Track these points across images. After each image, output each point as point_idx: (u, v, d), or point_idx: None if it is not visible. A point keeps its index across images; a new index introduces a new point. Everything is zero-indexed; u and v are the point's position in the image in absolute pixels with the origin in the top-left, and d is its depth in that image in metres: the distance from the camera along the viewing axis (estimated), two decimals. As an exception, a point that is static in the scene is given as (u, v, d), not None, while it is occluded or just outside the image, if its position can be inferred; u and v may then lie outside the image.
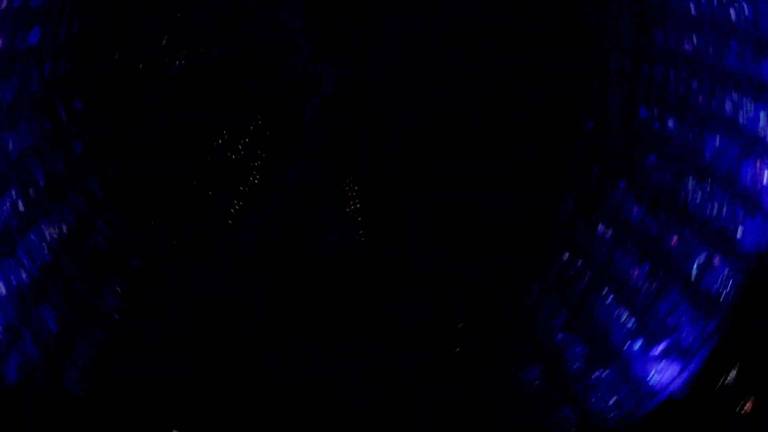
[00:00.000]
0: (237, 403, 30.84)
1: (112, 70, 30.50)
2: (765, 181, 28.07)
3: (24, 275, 29.51)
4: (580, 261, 30.84)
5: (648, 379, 28.85)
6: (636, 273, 30.04)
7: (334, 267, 32.61)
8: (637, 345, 29.56)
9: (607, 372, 29.64)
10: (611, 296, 30.14)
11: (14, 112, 28.44)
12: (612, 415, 29.21)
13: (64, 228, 30.22)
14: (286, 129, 32.47)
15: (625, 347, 29.50)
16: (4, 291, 29.01)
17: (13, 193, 29.15)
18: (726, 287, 28.27)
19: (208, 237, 32.32)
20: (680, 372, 28.04)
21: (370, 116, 32.89)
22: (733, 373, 27.58)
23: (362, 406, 31.61)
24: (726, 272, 28.52)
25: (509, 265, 32.04)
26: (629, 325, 29.71)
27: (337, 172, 32.40)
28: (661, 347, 29.22)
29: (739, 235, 28.56)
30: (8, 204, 29.16)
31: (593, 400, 29.51)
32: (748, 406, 27.49)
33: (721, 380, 27.72)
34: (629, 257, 30.24)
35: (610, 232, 30.59)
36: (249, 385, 31.16)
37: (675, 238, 29.76)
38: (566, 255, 31.30)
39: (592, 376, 29.85)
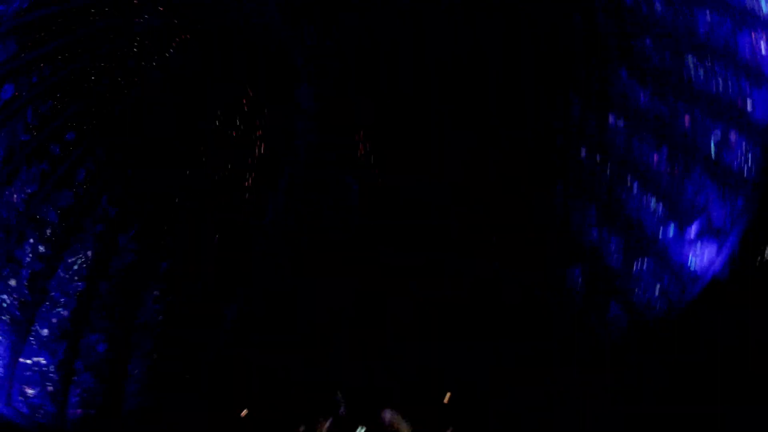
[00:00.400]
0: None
1: (94, 90, 30.81)
2: (764, 51, 28.33)
3: (63, 311, 30.79)
4: (598, 155, 30.84)
5: (688, 263, 29.51)
6: (656, 158, 30.35)
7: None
8: (671, 230, 29.98)
9: (646, 262, 30.17)
10: (636, 185, 30.27)
11: (9, 166, 29.28)
12: (659, 305, 29.91)
13: (89, 254, 31.29)
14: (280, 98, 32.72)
15: (660, 234, 30.23)
16: (47, 332, 30.49)
17: (31, 240, 30.08)
18: (747, 162, 28.94)
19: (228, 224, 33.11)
20: (718, 253, 28.65)
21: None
22: (769, 250, 28.69)
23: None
24: (744, 147, 28.85)
25: (529, 168, 32.67)
26: (659, 211, 30.14)
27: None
28: (694, 229, 29.78)
29: (749, 107, 28.87)
30: (29, 251, 30.12)
31: (639, 292, 30.09)
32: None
33: (758, 258, 28.73)
34: (646, 144, 30.50)
35: (621, 122, 30.58)
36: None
37: (687, 119, 29.93)
38: (584, 151, 31.77)
39: (634, 268, 30.78)
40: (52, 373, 29.83)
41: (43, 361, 29.79)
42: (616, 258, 30.80)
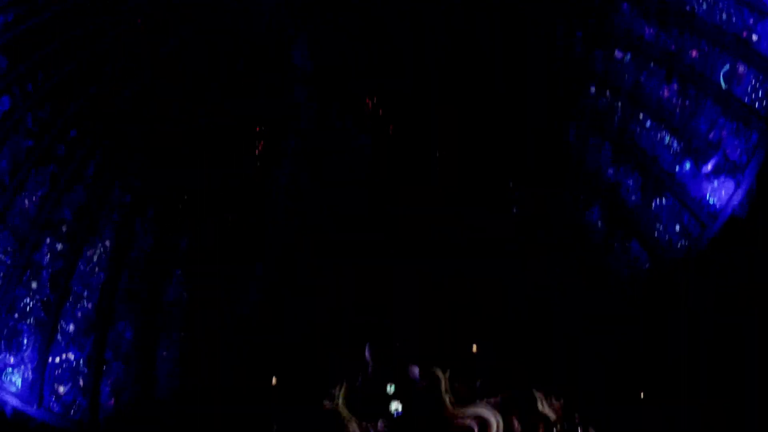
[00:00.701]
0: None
1: (91, 86, 30.83)
2: (766, -16, 27.89)
3: (87, 304, 31.13)
4: (608, 91, 30.51)
5: (706, 200, 29.41)
6: (666, 93, 30.17)
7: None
8: (687, 166, 29.84)
9: (665, 199, 29.99)
10: (649, 121, 29.99)
11: (17, 174, 29.49)
12: (680, 243, 29.81)
13: (108, 243, 31.33)
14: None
15: (676, 170, 30.07)
16: (73, 327, 31.04)
17: (48, 240, 30.29)
18: (759, 96, 28.61)
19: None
20: (735, 189, 28.57)
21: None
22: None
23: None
24: (753, 80, 28.61)
25: (538, 109, 32.47)
26: (674, 146, 30.07)
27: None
28: (710, 165, 29.63)
29: (754, 39, 28.57)
30: (47, 252, 30.45)
31: (659, 230, 30.17)
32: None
33: (777, 193, 28.65)
34: (655, 78, 29.86)
35: (629, 56, 29.94)
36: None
37: (694, 52, 29.55)
38: (593, 88, 31.36)
39: (652, 206, 30.41)
40: (82, 367, 30.18)
41: (72, 357, 30.11)
42: (635, 196, 30.84)
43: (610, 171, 30.96)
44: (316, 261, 32.96)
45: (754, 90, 27.99)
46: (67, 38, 28.90)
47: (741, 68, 28.24)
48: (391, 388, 30.99)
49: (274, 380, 32.08)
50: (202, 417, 31.45)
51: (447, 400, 30.65)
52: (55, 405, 29.31)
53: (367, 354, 31.82)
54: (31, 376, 29.09)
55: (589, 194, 31.44)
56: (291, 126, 32.35)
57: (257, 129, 32.22)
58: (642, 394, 29.73)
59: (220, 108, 31.77)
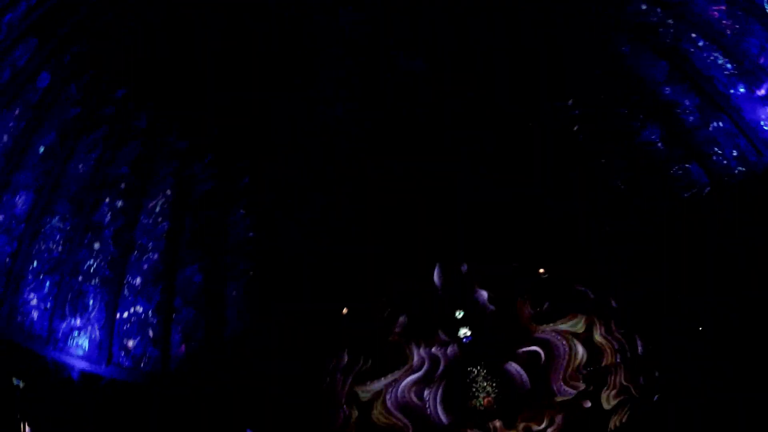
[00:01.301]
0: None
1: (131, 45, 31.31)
2: None
3: (152, 255, 31.94)
4: (658, 8, 29.71)
5: (762, 125, 29.15)
6: (716, 14, 29.43)
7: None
8: (741, 89, 29.15)
9: (721, 122, 29.57)
10: (701, 41, 29.31)
11: (68, 142, 30.09)
12: (738, 168, 29.68)
13: (168, 192, 31.99)
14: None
15: (731, 92, 29.44)
16: (140, 280, 32.02)
17: (107, 200, 31.01)
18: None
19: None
20: (789, 117, 28.56)
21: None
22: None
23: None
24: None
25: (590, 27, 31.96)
26: (727, 68, 29.33)
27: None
28: (763, 90, 29.20)
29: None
30: (107, 211, 31.10)
31: (718, 152, 29.96)
32: None
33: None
34: (703, -1, 29.78)
35: None
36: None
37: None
38: (643, 5, 30.80)
39: (709, 127, 30.07)
40: (151, 318, 31.44)
41: (141, 309, 31.29)
42: (692, 117, 30.45)
43: (667, 89, 30.54)
44: (381, 185, 33.97)
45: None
46: (96, 6, 29.52)
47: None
48: (459, 314, 32.22)
49: (344, 310, 33.38)
50: (272, 355, 33.34)
51: (515, 325, 31.77)
52: (124, 360, 30.61)
53: (436, 277, 32.79)
54: (98, 336, 30.40)
55: (647, 112, 31.41)
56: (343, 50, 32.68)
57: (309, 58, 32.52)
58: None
59: (269, 35, 32.16)
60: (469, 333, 31.55)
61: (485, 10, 31.34)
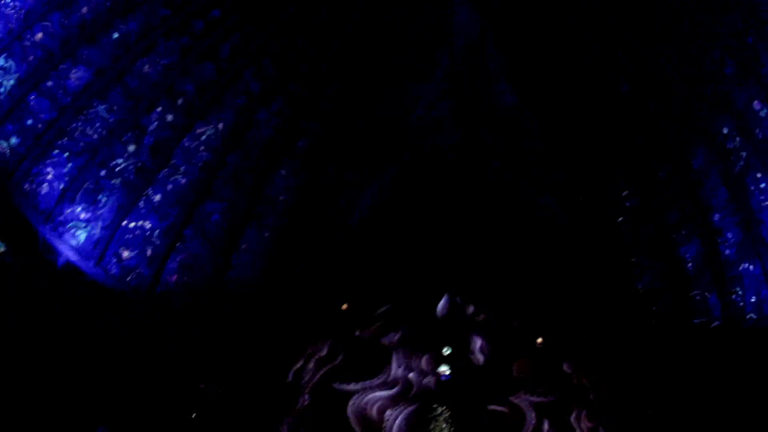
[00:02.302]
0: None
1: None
2: None
3: (181, 179, 31.83)
4: (739, 138, 30.64)
5: None
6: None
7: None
8: None
9: (754, 266, 30.45)
10: (764, 183, 30.19)
11: (145, 40, 30.04)
12: (751, 315, 30.54)
13: (221, 126, 32.16)
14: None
15: None
16: (159, 197, 31.78)
17: (160, 108, 31.00)
18: None
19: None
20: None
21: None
22: None
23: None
24: None
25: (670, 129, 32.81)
26: None
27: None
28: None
29: None
30: (156, 119, 30.99)
31: (738, 293, 30.80)
32: None
33: None
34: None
35: (765, 111, 30.08)
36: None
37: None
38: (726, 129, 30.96)
39: (741, 267, 30.84)
40: (156, 237, 31.39)
41: (149, 225, 31.27)
42: (729, 251, 31.26)
43: (717, 216, 31.58)
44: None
45: None
46: None
47: None
48: (447, 350, 32.73)
49: (345, 306, 33.71)
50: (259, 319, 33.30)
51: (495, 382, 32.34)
52: (114, 267, 30.47)
53: (440, 307, 33.26)
54: (98, 234, 30.28)
55: (692, 229, 32.37)
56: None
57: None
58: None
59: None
60: (448, 372, 31.95)
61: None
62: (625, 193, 33.38)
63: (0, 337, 28.34)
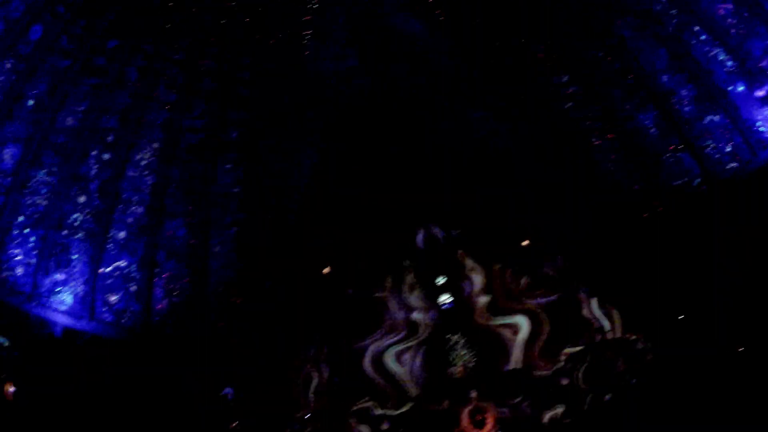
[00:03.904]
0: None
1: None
2: None
3: (137, 209, 32.96)
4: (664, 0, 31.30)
5: (756, 126, 30.31)
6: (722, 11, 30.50)
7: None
8: (740, 88, 30.51)
9: (717, 117, 31.05)
10: (704, 35, 30.65)
11: (56, 95, 31.02)
12: (730, 165, 31.14)
13: (156, 146, 33.17)
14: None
15: (729, 89, 30.71)
16: (124, 234, 32.76)
17: (94, 152, 32.20)
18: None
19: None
20: (785, 121, 30.29)
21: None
22: None
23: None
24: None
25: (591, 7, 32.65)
26: (728, 65, 30.53)
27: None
28: (763, 91, 30.49)
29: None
30: (94, 163, 32.27)
31: (710, 145, 31.39)
32: None
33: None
34: (710, -6, 30.79)
35: None
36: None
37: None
38: (646, -5, 31.77)
39: (704, 120, 31.40)
40: (134, 272, 32.58)
41: (124, 264, 32.42)
42: (688, 108, 31.85)
43: (665, 77, 31.99)
44: (373, 143, 34.85)
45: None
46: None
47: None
48: (441, 280, 33.35)
49: (326, 269, 34.88)
50: (253, 310, 34.47)
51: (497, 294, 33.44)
52: (107, 315, 31.83)
53: (419, 241, 34.27)
54: (82, 290, 31.56)
55: (643, 97, 32.75)
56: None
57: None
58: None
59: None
60: (450, 300, 32.51)
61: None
62: (564, 79, 33.95)
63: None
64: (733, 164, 31.12)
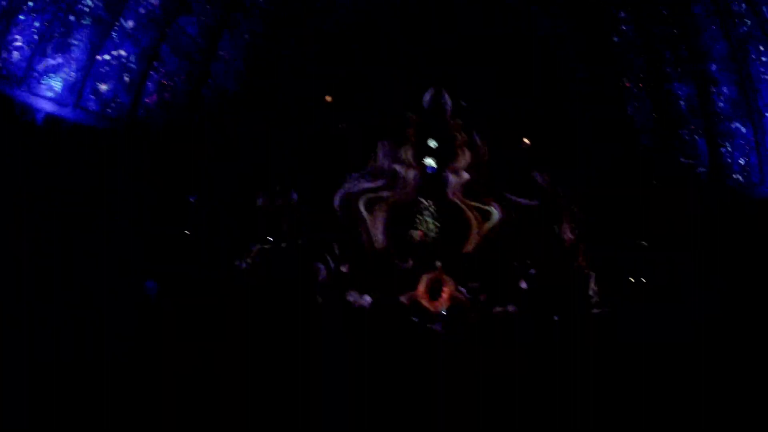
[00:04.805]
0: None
1: None
2: None
3: (154, 0, 31.64)
4: (744, 5, 30.83)
5: None
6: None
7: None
8: None
9: (745, 128, 31.49)
10: (766, 57, 30.84)
11: None
12: (736, 177, 32.01)
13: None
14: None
15: (766, 115, 31.13)
16: (132, 23, 31.53)
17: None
18: None
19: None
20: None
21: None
22: None
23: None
24: None
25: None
26: None
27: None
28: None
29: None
30: None
31: (728, 148, 32.03)
32: None
33: None
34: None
35: None
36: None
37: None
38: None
39: (732, 124, 31.72)
40: (132, 63, 31.53)
41: (124, 53, 31.33)
42: (723, 105, 32.22)
43: (715, 66, 32.29)
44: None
45: None
46: None
47: None
48: (433, 143, 34.14)
49: (329, 97, 34.41)
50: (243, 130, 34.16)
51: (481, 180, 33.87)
52: (92, 103, 31.13)
53: (426, 98, 34.37)
54: (74, 77, 30.67)
55: (688, 69, 33.01)
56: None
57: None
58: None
59: None
60: (434, 165, 33.73)
61: None
62: (621, 14, 33.32)
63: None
64: (739, 177, 31.97)
